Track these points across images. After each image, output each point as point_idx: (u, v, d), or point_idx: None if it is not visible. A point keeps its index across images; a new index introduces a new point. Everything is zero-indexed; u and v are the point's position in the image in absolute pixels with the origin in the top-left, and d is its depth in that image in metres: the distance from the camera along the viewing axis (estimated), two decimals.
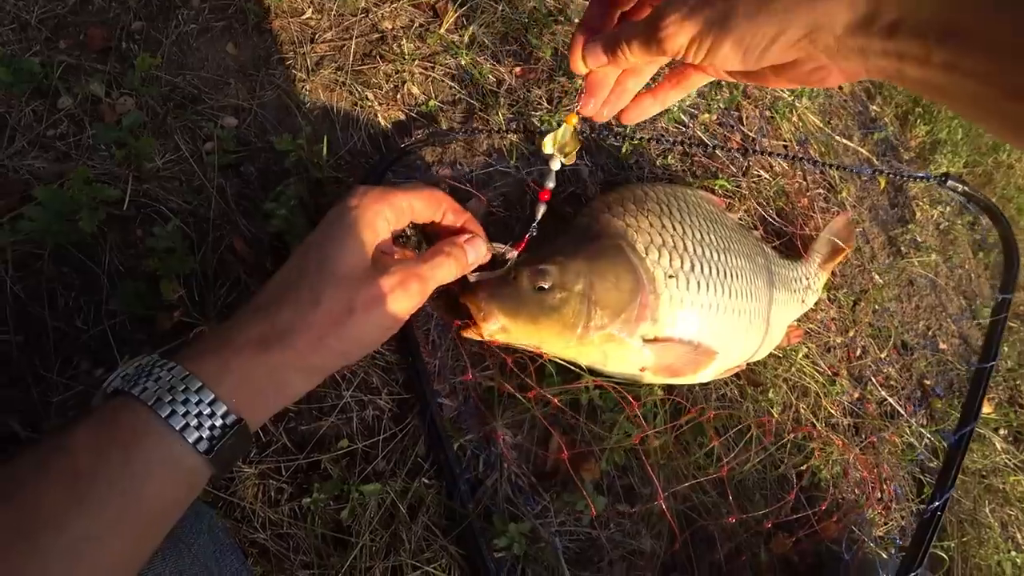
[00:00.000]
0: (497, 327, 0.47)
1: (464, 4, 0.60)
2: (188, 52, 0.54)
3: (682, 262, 0.52)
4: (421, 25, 0.58)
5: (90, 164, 0.49)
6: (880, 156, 1.04)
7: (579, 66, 0.34)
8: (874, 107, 1.07)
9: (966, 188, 0.76)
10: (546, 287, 0.47)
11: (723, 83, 0.80)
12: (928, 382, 1.00)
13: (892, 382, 0.93)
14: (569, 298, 0.47)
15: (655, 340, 0.51)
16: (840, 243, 0.79)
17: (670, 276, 0.51)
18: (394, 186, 0.37)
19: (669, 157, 0.68)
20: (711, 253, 0.55)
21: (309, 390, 0.32)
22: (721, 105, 0.78)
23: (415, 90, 0.56)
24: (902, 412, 0.91)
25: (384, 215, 0.34)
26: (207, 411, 0.27)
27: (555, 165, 0.43)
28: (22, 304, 0.47)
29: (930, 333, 1.03)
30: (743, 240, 0.63)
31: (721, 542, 0.64)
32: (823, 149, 0.93)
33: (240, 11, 0.55)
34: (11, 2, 0.54)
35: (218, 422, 0.27)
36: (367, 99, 0.54)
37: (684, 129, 0.71)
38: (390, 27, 0.56)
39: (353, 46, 0.55)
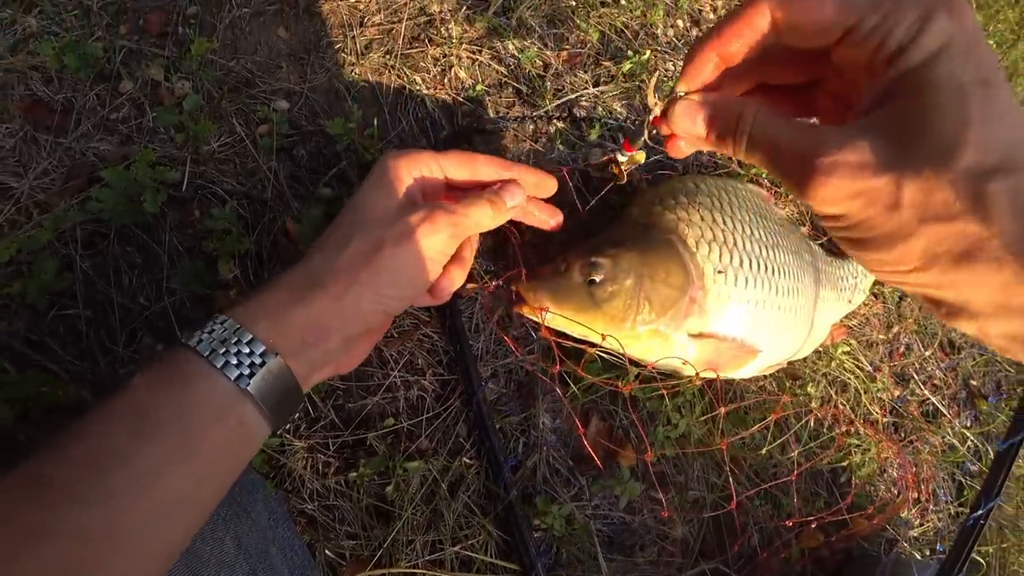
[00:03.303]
0: (546, 316, 0.47)
1: None
2: (241, 36, 0.54)
3: (731, 257, 0.51)
4: (469, 8, 0.57)
5: (151, 146, 0.51)
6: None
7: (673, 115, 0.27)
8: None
9: None
10: (597, 280, 0.47)
11: None
12: (975, 383, 0.97)
13: (936, 382, 0.91)
14: (619, 292, 0.47)
15: (700, 336, 0.50)
16: None
17: (719, 272, 0.50)
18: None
19: None
20: (759, 249, 0.54)
21: (352, 338, 0.32)
22: None
23: (462, 74, 0.56)
24: (945, 412, 0.88)
25: (409, 169, 0.35)
26: (246, 350, 0.28)
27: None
28: (90, 281, 0.50)
29: None
30: (790, 236, 0.62)
31: (751, 532, 0.65)
32: None
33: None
34: None
35: (257, 360, 0.28)
36: (415, 83, 0.55)
37: None
38: (438, 10, 0.56)
39: (402, 29, 0.55)
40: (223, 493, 0.29)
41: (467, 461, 0.52)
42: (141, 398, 0.26)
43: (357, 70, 0.55)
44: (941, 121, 0.20)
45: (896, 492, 0.78)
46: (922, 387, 0.87)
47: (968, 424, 0.92)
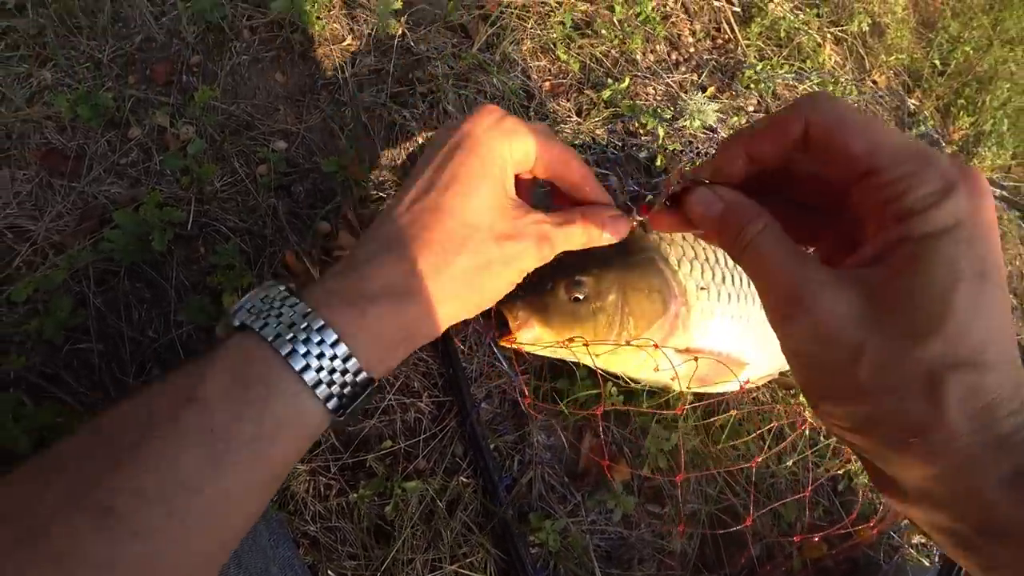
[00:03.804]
0: (532, 336, 0.49)
1: (494, 24, 0.62)
2: (241, 82, 0.58)
3: (713, 274, 0.53)
4: (454, 46, 0.61)
5: (158, 188, 0.54)
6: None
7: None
8: (913, 100, 1.03)
9: (1004, 192, 0.74)
10: (581, 297, 0.49)
11: (751, 85, 0.80)
12: None
13: None
14: (603, 308, 0.49)
15: (686, 351, 0.52)
16: None
17: (701, 288, 0.52)
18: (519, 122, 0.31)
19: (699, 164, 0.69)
20: None
21: (436, 337, 0.30)
22: (750, 109, 0.77)
23: (450, 108, 0.59)
24: None
25: (509, 160, 0.30)
26: (340, 367, 0.25)
27: None
28: (102, 316, 0.53)
29: None
30: None
31: (753, 544, 0.65)
32: None
33: (287, 41, 0.59)
34: (86, 43, 0.60)
35: (349, 378, 0.26)
36: (405, 119, 0.58)
37: (713, 135, 0.72)
38: (425, 49, 0.59)
39: (391, 69, 0.59)
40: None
41: (464, 480, 0.53)
42: (217, 418, 0.23)
43: (350, 110, 0.58)
44: (926, 304, 0.20)
45: None
46: None
47: None
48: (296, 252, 0.55)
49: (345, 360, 0.25)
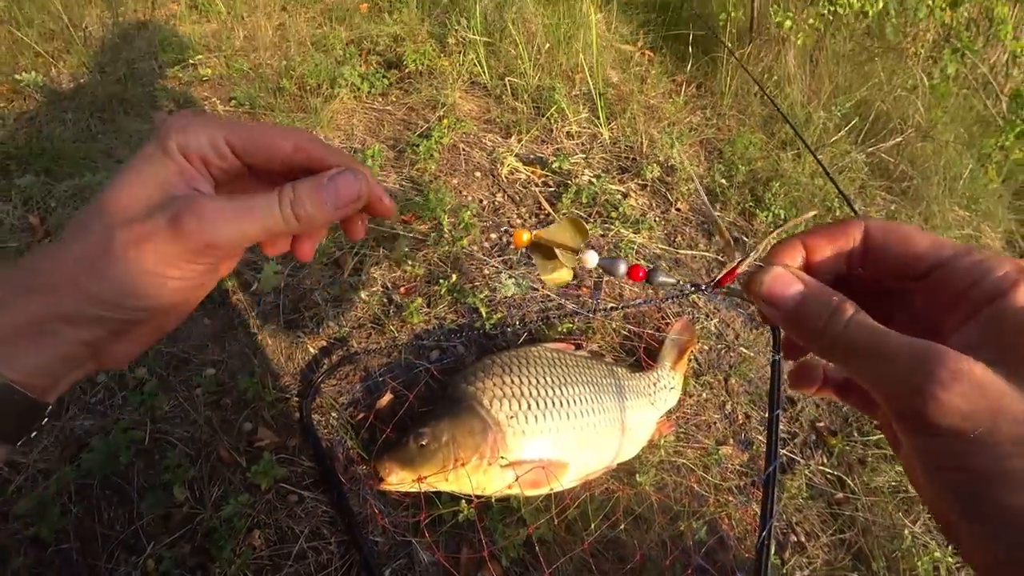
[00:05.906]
0: (398, 478, 0.70)
1: (357, 254, 0.90)
2: (181, 328, 0.82)
3: (520, 405, 0.76)
4: (329, 277, 0.87)
5: (121, 417, 0.76)
6: (727, 253, 1.30)
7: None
8: (717, 213, 1.35)
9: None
10: (424, 443, 0.70)
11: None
12: (821, 424, 1.14)
13: (784, 435, 1.09)
14: (439, 448, 0.70)
15: (511, 464, 0.73)
16: (682, 343, 1.02)
17: (511, 417, 0.74)
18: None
19: (525, 319, 0.95)
20: (547, 391, 0.79)
21: (101, 338, 0.27)
22: None
23: (331, 324, 0.84)
24: (798, 459, 1.06)
25: (186, 146, 0.27)
26: None
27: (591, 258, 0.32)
28: (79, 520, 0.71)
29: None
30: (586, 371, 0.86)
31: None
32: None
33: (209, 293, 0.85)
34: None
35: None
36: (299, 336, 0.82)
37: (535, 292, 0.98)
38: (309, 284, 0.86)
39: (285, 303, 0.84)
40: None
41: None
42: None
43: (259, 336, 0.82)
44: None
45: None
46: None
47: (824, 461, 1.07)
48: (227, 449, 0.75)
49: None
